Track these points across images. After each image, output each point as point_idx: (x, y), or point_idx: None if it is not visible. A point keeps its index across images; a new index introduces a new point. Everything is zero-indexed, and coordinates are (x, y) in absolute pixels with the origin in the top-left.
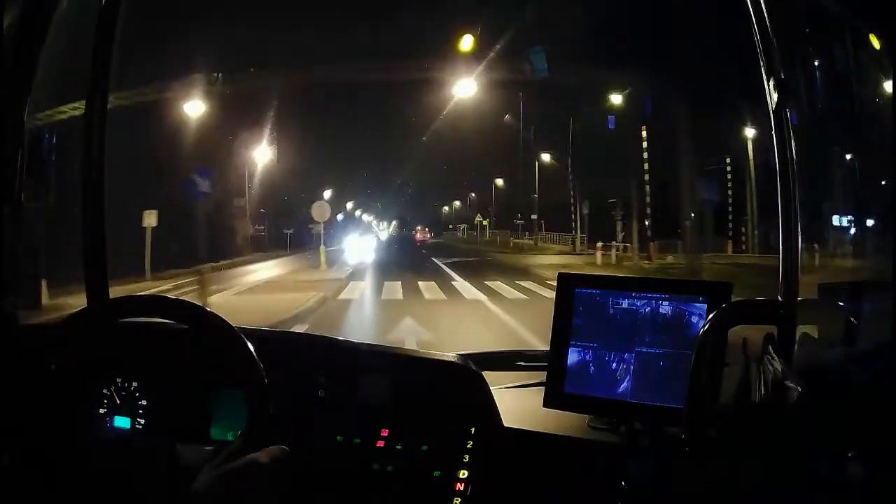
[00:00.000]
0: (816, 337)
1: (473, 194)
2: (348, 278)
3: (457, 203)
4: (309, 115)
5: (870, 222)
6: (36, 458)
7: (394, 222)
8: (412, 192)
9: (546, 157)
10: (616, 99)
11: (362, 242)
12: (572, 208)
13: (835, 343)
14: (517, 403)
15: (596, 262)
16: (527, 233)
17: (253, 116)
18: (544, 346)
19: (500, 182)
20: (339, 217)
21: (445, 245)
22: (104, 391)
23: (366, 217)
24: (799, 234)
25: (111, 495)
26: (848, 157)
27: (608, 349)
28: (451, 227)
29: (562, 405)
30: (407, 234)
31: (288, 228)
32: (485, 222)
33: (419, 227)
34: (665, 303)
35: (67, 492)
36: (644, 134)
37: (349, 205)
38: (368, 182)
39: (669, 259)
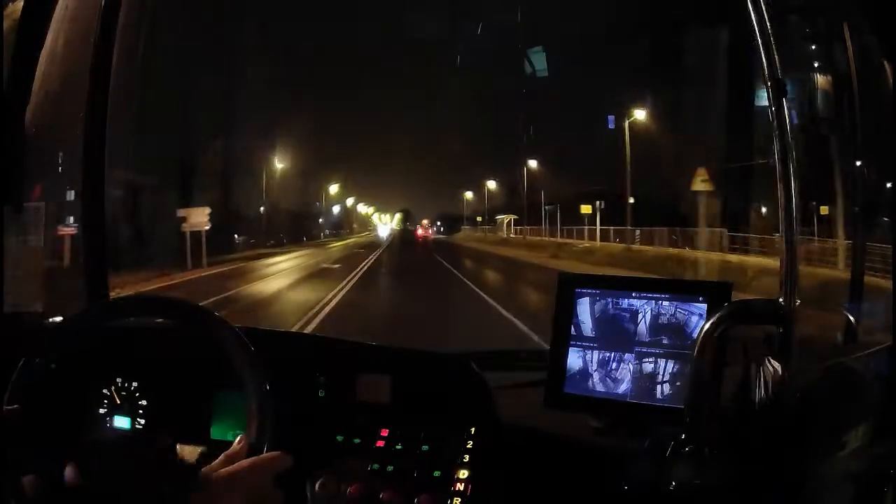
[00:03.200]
0: (816, 337)
1: (535, 162)
2: None
3: (490, 184)
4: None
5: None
6: (36, 458)
7: (397, 215)
8: (422, 173)
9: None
10: None
11: None
12: None
13: (835, 343)
14: (517, 403)
15: None
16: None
17: None
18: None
19: (641, 115)
20: (336, 208)
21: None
22: (104, 391)
23: (363, 208)
24: (798, 234)
25: (111, 496)
26: (846, 157)
27: (608, 349)
28: (478, 219)
29: (562, 405)
30: (414, 230)
31: (67, 222)
32: (586, 208)
33: (423, 222)
34: (665, 303)
35: (67, 492)
36: None
37: (333, 189)
38: (362, 156)
39: None
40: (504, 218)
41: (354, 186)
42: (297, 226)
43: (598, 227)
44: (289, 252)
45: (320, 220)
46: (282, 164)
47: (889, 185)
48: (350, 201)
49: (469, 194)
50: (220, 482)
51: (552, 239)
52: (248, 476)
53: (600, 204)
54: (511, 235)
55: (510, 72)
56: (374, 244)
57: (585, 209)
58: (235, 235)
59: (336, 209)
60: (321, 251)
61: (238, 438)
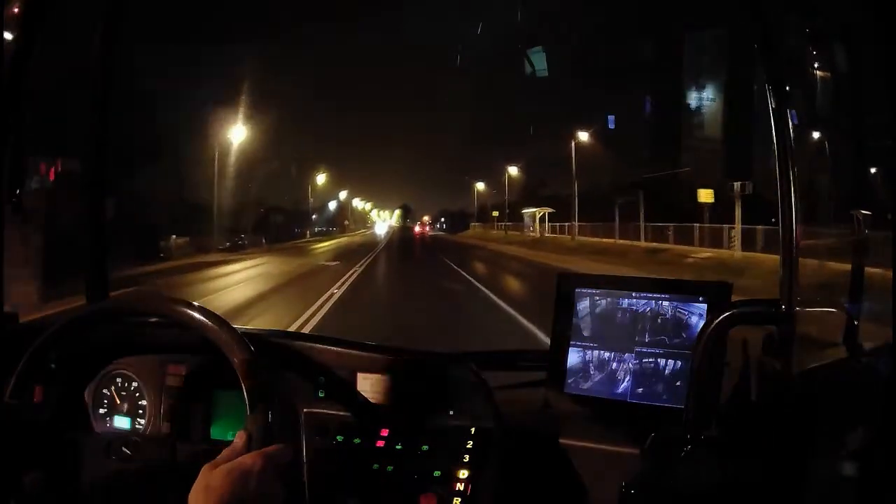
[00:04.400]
0: (816, 337)
1: (585, 135)
2: None
3: (512, 170)
4: None
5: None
6: (36, 459)
7: (396, 212)
8: (423, 169)
9: None
10: None
11: None
12: None
13: (835, 343)
14: (517, 403)
15: None
16: None
17: None
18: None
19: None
20: (332, 204)
21: None
22: (104, 391)
23: (359, 204)
24: (797, 233)
25: (111, 495)
26: (846, 157)
27: (608, 349)
28: (494, 214)
29: (562, 405)
30: (412, 227)
31: None
32: (706, 194)
33: (423, 219)
34: (665, 303)
35: (68, 492)
36: None
37: (321, 178)
38: (361, 152)
39: None
40: (535, 212)
41: (351, 182)
42: (271, 224)
43: (739, 226)
44: (225, 264)
45: (314, 216)
46: (241, 144)
47: (872, 171)
48: (343, 195)
49: (481, 185)
50: (222, 474)
51: (627, 242)
52: (250, 467)
53: (744, 187)
54: (546, 234)
55: (515, 60)
56: (364, 247)
57: (706, 195)
58: (174, 236)
59: (332, 205)
60: (276, 264)
61: (238, 434)
